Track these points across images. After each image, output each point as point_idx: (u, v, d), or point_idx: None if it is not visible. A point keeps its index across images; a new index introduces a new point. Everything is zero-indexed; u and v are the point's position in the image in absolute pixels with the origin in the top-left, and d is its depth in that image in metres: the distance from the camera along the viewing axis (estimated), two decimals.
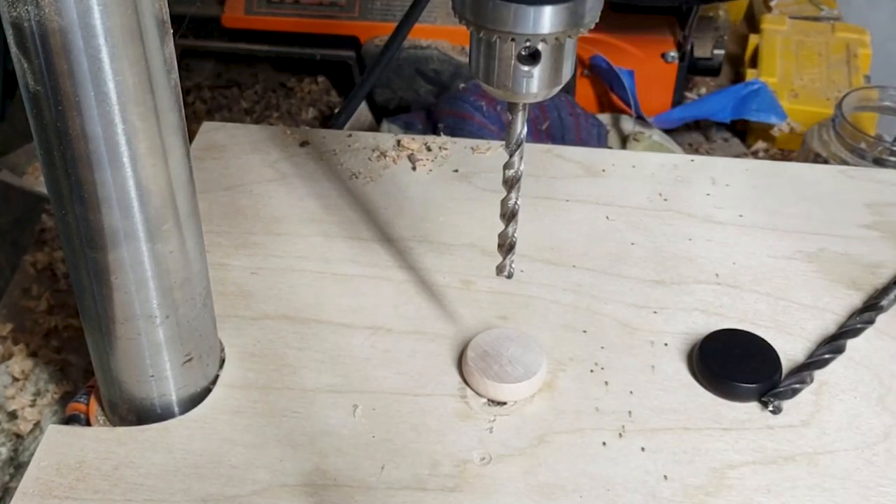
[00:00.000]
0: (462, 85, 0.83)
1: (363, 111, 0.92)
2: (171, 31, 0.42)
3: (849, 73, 0.91)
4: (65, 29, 0.38)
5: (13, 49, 0.40)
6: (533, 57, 0.42)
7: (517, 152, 0.47)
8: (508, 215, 0.50)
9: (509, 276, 0.53)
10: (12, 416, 0.60)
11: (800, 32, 0.97)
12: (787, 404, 0.51)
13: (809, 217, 0.64)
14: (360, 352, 0.54)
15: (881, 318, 0.56)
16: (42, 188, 0.78)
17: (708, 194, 0.66)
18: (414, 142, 0.70)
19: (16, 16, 0.38)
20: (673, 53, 0.88)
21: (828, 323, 0.56)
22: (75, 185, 0.42)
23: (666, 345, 0.54)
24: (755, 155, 0.89)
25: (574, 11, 0.41)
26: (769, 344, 0.53)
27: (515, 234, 0.51)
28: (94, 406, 0.52)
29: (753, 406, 0.51)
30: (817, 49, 0.94)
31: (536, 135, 0.80)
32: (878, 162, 0.76)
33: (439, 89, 0.89)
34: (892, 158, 0.76)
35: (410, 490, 0.47)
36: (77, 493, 0.46)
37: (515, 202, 0.49)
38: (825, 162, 0.78)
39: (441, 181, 0.67)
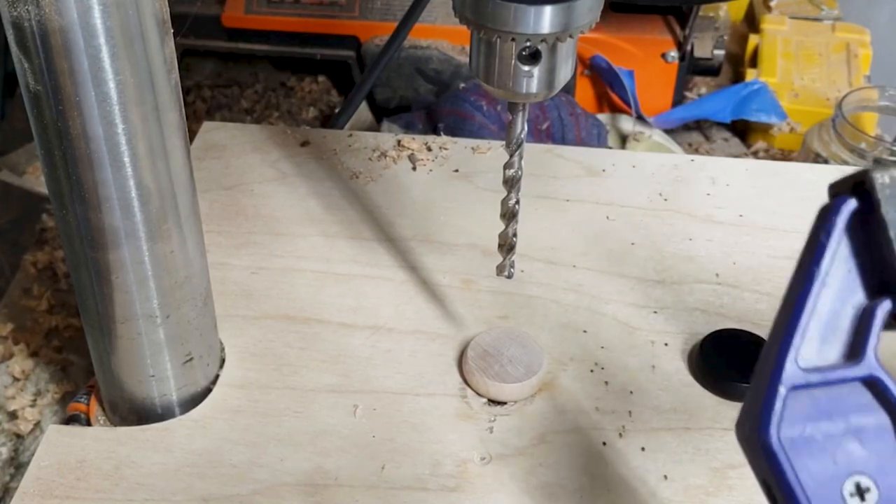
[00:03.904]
0: (462, 84, 0.83)
1: (363, 111, 0.92)
2: (172, 30, 0.42)
3: (849, 73, 0.91)
4: (65, 28, 0.38)
5: (13, 49, 0.40)
6: (533, 57, 0.42)
7: (517, 152, 0.47)
8: (508, 215, 0.50)
9: (509, 277, 0.53)
10: (13, 416, 0.60)
11: (800, 32, 0.96)
12: None
13: (809, 217, 0.64)
14: (360, 352, 0.54)
15: None
16: (42, 188, 0.78)
17: (708, 194, 0.66)
18: (414, 142, 0.70)
19: (16, 15, 0.38)
20: (673, 53, 0.88)
21: None
22: (76, 185, 0.42)
23: (666, 345, 0.54)
24: (755, 155, 0.89)
25: (574, 11, 0.41)
26: None
27: (515, 234, 0.51)
28: (94, 406, 0.52)
29: None
30: (817, 49, 0.94)
31: (536, 135, 0.80)
32: (878, 162, 0.76)
33: (439, 89, 0.89)
34: (892, 158, 0.76)
35: (411, 490, 0.47)
36: (77, 493, 0.47)
37: (515, 202, 0.49)
38: (825, 162, 0.78)
39: (441, 181, 0.67)
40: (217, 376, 0.52)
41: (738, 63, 0.98)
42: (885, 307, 0.30)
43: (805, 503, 0.28)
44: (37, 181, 0.80)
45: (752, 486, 0.47)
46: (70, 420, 0.52)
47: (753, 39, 0.97)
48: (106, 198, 0.43)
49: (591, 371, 0.53)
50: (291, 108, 0.94)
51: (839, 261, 0.30)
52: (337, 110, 0.86)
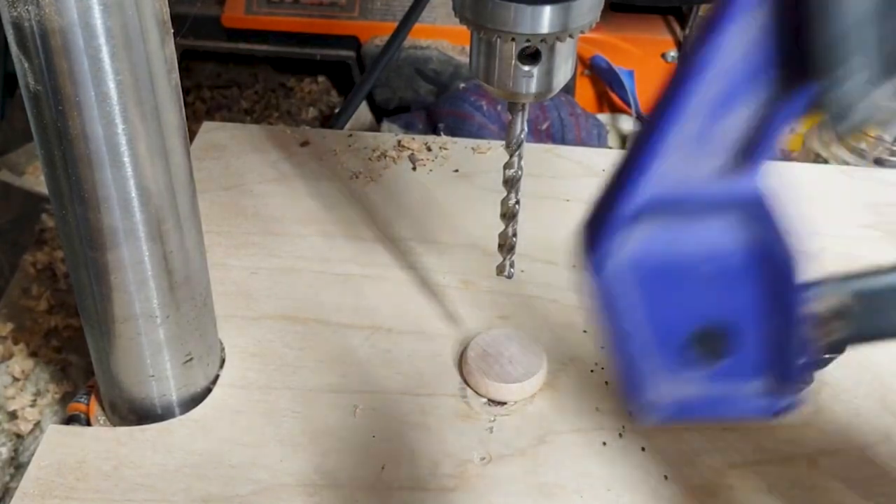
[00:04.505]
0: (462, 85, 0.83)
1: (363, 111, 0.92)
2: (172, 31, 0.42)
3: None
4: (65, 28, 0.38)
5: (13, 49, 0.39)
6: (533, 57, 0.42)
7: (517, 152, 0.47)
8: (508, 215, 0.50)
9: (509, 277, 0.52)
10: (13, 416, 0.60)
11: None
12: None
13: (810, 217, 0.64)
14: (360, 352, 0.54)
15: None
16: (42, 188, 0.78)
17: None
18: (414, 142, 0.70)
19: (16, 15, 0.38)
20: (673, 53, 0.88)
21: None
22: (75, 185, 0.42)
23: None
24: None
25: (574, 11, 0.41)
26: None
27: (515, 234, 0.51)
28: (94, 406, 0.52)
29: None
30: None
31: (536, 135, 0.80)
32: (878, 162, 0.76)
33: (439, 89, 0.89)
34: (892, 158, 0.76)
35: (410, 490, 0.47)
36: (77, 494, 0.46)
37: (515, 202, 0.49)
38: (825, 162, 0.78)
39: (441, 181, 0.67)
40: (217, 376, 0.52)
41: None
42: (795, 105, 0.22)
43: (637, 330, 0.23)
44: (36, 181, 0.80)
45: (752, 486, 0.47)
46: (70, 420, 0.52)
47: None
48: (105, 198, 0.43)
49: (592, 371, 0.53)
50: (291, 109, 0.94)
51: (741, 38, 0.22)
52: (337, 110, 0.86)
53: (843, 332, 0.25)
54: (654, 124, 0.22)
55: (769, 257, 0.24)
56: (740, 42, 0.22)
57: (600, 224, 0.23)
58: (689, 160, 0.22)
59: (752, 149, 0.22)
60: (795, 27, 0.21)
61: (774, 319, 0.24)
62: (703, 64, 0.22)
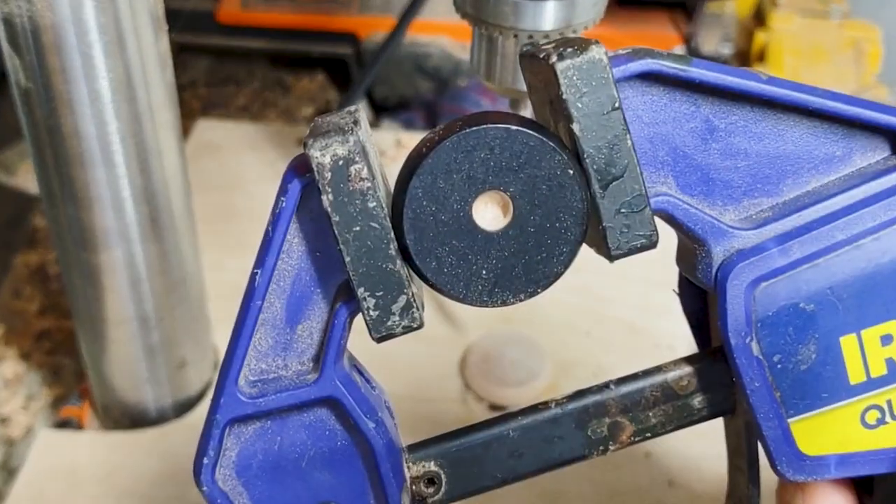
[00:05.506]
0: (463, 82, 0.82)
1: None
2: (166, 26, 0.42)
3: (858, 71, 0.90)
4: (57, 25, 0.37)
5: (4, 45, 0.39)
6: None
7: None
8: None
9: None
10: (4, 420, 0.59)
11: (808, 29, 0.96)
12: None
13: None
14: (358, 355, 0.53)
15: None
16: (35, 187, 0.77)
17: None
18: (413, 140, 0.69)
19: (7, 11, 0.37)
20: (679, 49, 0.87)
21: None
22: (67, 184, 0.42)
23: (671, 348, 0.54)
24: None
25: (577, 7, 0.40)
26: None
27: None
28: (87, 410, 0.51)
29: None
30: (826, 46, 0.93)
31: None
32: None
33: (439, 86, 0.88)
34: None
35: None
36: (70, 499, 0.46)
37: None
38: None
39: None
40: (211, 380, 0.52)
41: (745, 60, 0.98)
42: (342, 315, 0.26)
43: None
44: (29, 180, 0.79)
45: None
46: (62, 424, 0.51)
47: (760, 36, 0.96)
48: (98, 197, 0.42)
49: (595, 374, 0.52)
50: (288, 106, 0.93)
51: (295, 253, 0.26)
52: (335, 108, 0.85)
53: (437, 495, 0.29)
54: (232, 337, 0.26)
55: (358, 442, 0.27)
56: (291, 257, 0.26)
57: (201, 438, 0.27)
58: (278, 361, 0.27)
59: (324, 352, 0.27)
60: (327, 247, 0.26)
61: (375, 493, 0.27)
62: (263, 279, 0.26)
